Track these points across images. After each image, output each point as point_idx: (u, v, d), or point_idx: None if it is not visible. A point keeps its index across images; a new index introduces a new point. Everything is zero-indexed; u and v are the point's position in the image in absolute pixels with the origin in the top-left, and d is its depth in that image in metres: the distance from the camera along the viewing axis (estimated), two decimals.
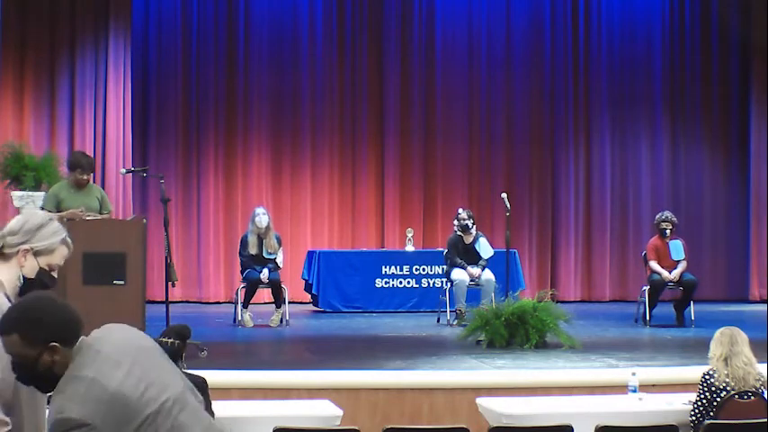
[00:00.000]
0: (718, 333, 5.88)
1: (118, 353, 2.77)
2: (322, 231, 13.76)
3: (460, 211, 11.35)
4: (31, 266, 3.15)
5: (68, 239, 3.25)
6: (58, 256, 3.21)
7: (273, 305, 10.81)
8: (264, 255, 10.68)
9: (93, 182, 12.34)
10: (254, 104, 13.69)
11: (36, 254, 3.16)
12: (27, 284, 3.14)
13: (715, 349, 5.82)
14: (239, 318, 10.72)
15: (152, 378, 2.77)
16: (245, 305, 10.58)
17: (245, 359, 8.62)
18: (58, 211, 8.28)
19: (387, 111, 13.99)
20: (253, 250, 10.68)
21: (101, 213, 8.42)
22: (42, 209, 8.58)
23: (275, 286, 10.58)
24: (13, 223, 3.19)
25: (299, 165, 13.78)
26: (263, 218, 10.68)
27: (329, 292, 12.29)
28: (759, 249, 14.10)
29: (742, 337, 5.82)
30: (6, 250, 3.14)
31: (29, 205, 10.04)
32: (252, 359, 8.60)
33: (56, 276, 3.22)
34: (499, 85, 14.25)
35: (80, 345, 2.76)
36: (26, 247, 3.15)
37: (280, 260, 10.81)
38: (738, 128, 14.55)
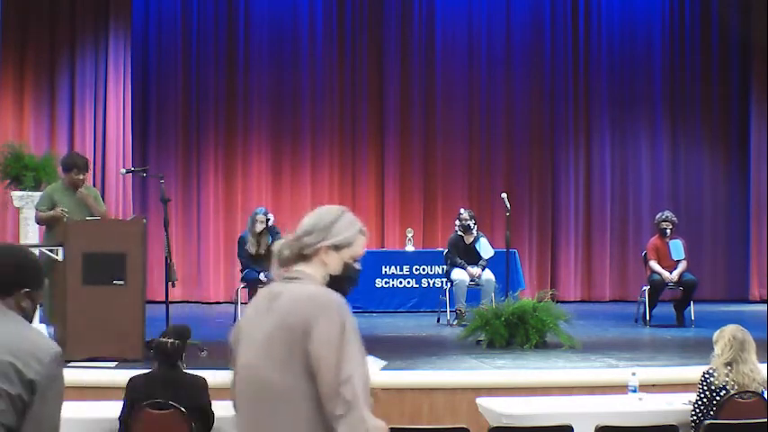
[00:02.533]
0: (729, 334, 5.79)
1: None
2: None
3: (462, 211, 11.35)
4: (334, 262, 3.10)
5: (364, 227, 3.20)
6: (359, 247, 3.17)
7: None
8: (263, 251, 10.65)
9: (93, 182, 12.41)
10: (254, 104, 13.69)
11: (336, 248, 3.10)
12: (333, 280, 3.09)
13: (722, 350, 5.77)
14: (239, 318, 10.70)
15: None
16: None
17: None
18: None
19: (387, 111, 13.99)
20: (253, 249, 10.67)
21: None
22: (36, 208, 8.57)
23: None
24: (307, 223, 3.12)
25: (299, 165, 13.78)
26: (259, 225, 10.64)
27: None
28: (759, 249, 14.09)
29: (751, 344, 5.78)
30: (306, 251, 3.07)
31: (29, 205, 10.02)
32: None
33: (359, 267, 3.19)
34: (499, 85, 14.25)
35: None
36: (326, 244, 3.09)
37: None
38: (738, 128, 14.54)
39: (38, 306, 3.06)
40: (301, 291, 2.97)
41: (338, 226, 3.10)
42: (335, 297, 2.95)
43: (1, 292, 2.95)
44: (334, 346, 2.84)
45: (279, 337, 2.89)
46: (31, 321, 3.02)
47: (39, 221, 8.59)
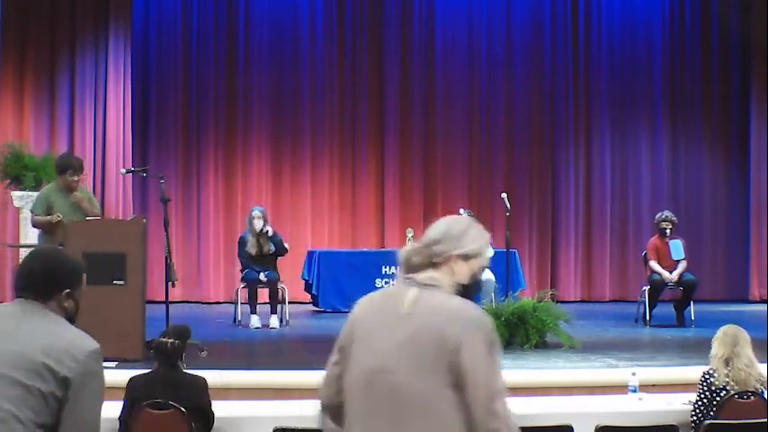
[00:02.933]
0: (720, 332, 5.85)
1: None
2: (322, 231, 13.77)
3: (462, 211, 11.34)
4: (463, 271, 3.11)
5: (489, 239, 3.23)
6: (485, 258, 3.18)
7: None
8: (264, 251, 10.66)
9: (93, 182, 12.42)
10: (254, 104, 13.70)
11: (465, 258, 3.11)
12: (461, 289, 3.10)
13: (717, 349, 5.80)
14: (239, 318, 10.72)
15: None
16: (253, 310, 10.54)
17: (245, 359, 8.61)
18: (48, 214, 8.25)
19: (387, 111, 13.99)
20: (253, 250, 10.67)
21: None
22: (32, 213, 8.53)
23: (273, 287, 10.56)
24: (436, 232, 3.14)
25: (299, 165, 13.78)
26: (257, 222, 10.65)
27: (329, 292, 12.29)
28: (759, 249, 14.10)
29: (744, 338, 5.80)
30: (436, 259, 3.07)
31: (29, 205, 10.02)
32: (252, 359, 8.59)
33: (481, 278, 3.20)
34: (499, 85, 14.25)
35: None
36: (456, 253, 3.09)
37: (287, 245, 10.78)
38: (738, 128, 14.55)
39: (78, 303, 3.15)
40: (443, 301, 2.98)
41: (469, 236, 3.13)
42: (481, 312, 2.98)
43: (42, 297, 3.06)
44: (484, 361, 2.87)
45: (422, 344, 2.89)
46: (74, 320, 3.11)
47: (35, 225, 8.56)
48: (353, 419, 2.98)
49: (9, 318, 3.06)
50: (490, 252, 3.20)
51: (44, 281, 3.08)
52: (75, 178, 8.43)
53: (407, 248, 3.12)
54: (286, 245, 10.79)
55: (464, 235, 3.12)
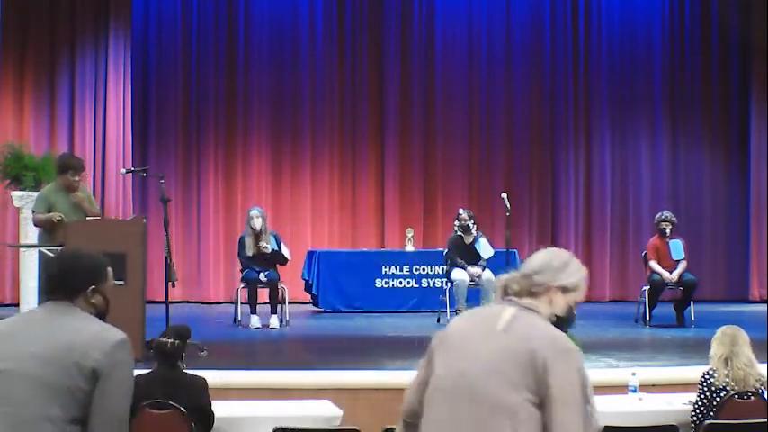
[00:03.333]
0: (719, 332, 5.86)
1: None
2: (322, 231, 13.76)
3: (461, 211, 11.35)
4: (559, 303, 3.20)
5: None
6: (582, 292, 3.26)
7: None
8: (263, 249, 10.64)
9: (93, 182, 12.42)
10: (254, 104, 13.69)
11: (564, 290, 3.20)
12: (554, 320, 3.18)
13: (716, 349, 5.81)
14: (239, 318, 10.72)
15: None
16: (253, 310, 10.54)
17: (245, 359, 8.61)
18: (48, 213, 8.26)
19: (387, 111, 13.99)
20: (250, 251, 10.67)
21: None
22: (33, 212, 8.54)
23: (273, 287, 10.56)
24: (537, 263, 3.23)
25: (299, 165, 13.78)
26: (256, 221, 10.65)
27: (329, 292, 12.29)
28: (759, 249, 14.09)
29: (743, 338, 5.80)
30: (535, 289, 3.18)
31: (29, 205, 10.02)
32: (252, 359, 8.60)
33: (575, 313, 3.28)
34: (499, 85, 14.25)
35: None
36: (556, 284, 3.19)
37: (286, 252, 10.78)
38: (738, 128, 14.54)
39: (106, 297, 3.25)
40: (540, 324, 3.10)
41: (569, 269, 3.23)
42: (573, 345, 3.08)
43: (68, 296, 3.16)
44: (574, 387, 2.98)
45: (513, 358, 3.00)
46: (105, 315, 3.22)
47: (36, 223, 8.58)
48: (433, 421, 3.07)
49: (37, 321, 3.15)
50: (584, 288, 3.29)
51: (66, 280, 3.17)
52: (77, 178, 8.45)
53: (507, 276, 3.23)
54: (286, 254, 10.76)
55: (565, 268, 3.22)
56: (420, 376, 3.19)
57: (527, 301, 3.15)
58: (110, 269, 3.28)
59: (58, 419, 2.95)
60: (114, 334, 3.11)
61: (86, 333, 3.07)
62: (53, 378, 2.98)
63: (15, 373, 3.01)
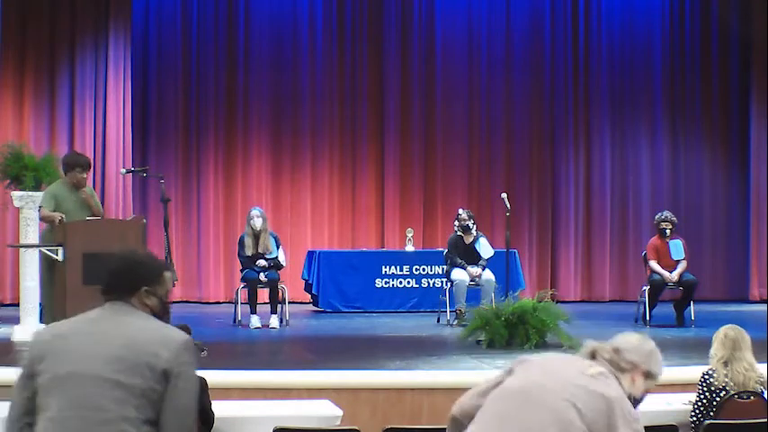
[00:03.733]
0: (722, 333, 5.81)
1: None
2: (322, 231, 13.76)
3: (461, 211, 11.35)
4: (639, 386, 3.36)
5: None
6: (654, 384, 3.41)
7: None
8: (261, 251, 10.64)
9: (93, 182, 12.41)
10: (254, 104, 13.69)
11: (646, 375, 3.36)
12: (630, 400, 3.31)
13: (717, 350, 5.78)
14: (239, 318, 10.72)
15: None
16: (253, 310, 10.54)
17: (245, 359, 8.61)
18: (55, 210, 8.28)
19: (387, 111, 13.99)
20: (249, 251, 10.67)
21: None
22: (40, 207, 8.58)
23: (273, 287, 10.56)
24: (628, 342, 3.40)
25: (299, 165, 13.78)
26: (256, 221, 10.66)
27: (329, 292, 12.29)
28: (759, 249, 14.09)
29: (745, 342, 5.76)
30: (623, 365, 3.34)
31: (29, 205, 10.01)
32: (252, 359, 8.60)
33: (641, 401, 3.41)
34: (499, 85, 14.25)
35: None
36: (643, 367, 3.36)
37: (282, 258, 10.79)
38: (738, 128, 14.54)
39: (162, 300, 3.27)
40: (620, 389, 3.26)
41: (657, 358, 3.43)
42: (639, 415, 3.27)
43: (124, 297, 3.19)
44: None
45: (590, 399, 3.16)
46: (160, 316, 3.23)
47: (42, 219, 8.66)
48: (494, 417, 3.23)
49: (101, 321, 3.19)
50: (652, 384, 3.47)
51: (120, 281, 3.21)
52: (84, 175, 8.51)
53: (596, 343, 3.41)
54: (282, 260, 10.77)
55: (654, 355, 3.40)
56: (489, 383, 3.36)
57: (615, 372, 3.31)
58: (168, 273, 3.30)
59: (136, 420, 2.98)
60: (180, 334, 3.14)
61: (152, 333, 3.11)
62: (126, 379, 3.01)
63: (87, 376, 3.02)
